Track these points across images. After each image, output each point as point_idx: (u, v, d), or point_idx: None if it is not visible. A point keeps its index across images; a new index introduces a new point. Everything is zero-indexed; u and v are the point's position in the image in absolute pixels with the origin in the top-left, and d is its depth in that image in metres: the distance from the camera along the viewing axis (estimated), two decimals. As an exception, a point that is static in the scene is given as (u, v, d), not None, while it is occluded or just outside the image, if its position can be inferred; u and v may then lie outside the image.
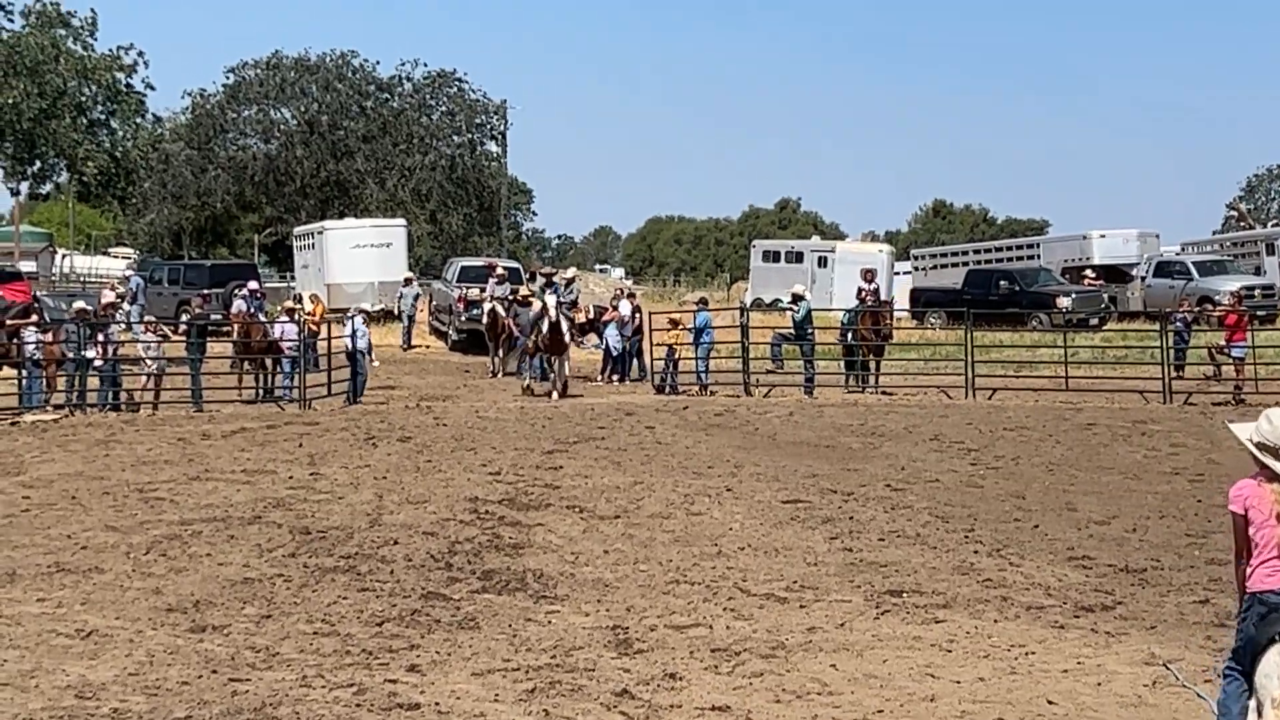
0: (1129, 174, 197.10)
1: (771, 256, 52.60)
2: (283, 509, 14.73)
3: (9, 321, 25.03)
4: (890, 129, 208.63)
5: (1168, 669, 9.06)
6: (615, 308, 32.42)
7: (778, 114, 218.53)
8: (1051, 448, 19.95)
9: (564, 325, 26.98)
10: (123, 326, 27.90)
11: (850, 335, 29.18)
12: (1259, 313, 35.29)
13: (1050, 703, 8.56)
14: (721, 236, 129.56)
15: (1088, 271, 45.01)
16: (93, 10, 68.02)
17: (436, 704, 8.43)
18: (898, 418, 23.22)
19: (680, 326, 29.13)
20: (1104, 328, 38.19)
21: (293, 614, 10.51)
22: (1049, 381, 27.96)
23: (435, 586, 11.40)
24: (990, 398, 26.33)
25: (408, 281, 41.32)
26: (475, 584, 11.53)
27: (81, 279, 60.52)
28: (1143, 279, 43.92)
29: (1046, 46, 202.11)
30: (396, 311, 41.15)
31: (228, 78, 65.31)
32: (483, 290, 35.59)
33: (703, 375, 28.31)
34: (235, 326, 29.50)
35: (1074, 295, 40.85)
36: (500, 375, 32.02)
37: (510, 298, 32.87)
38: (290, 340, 27.06)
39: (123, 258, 68.37)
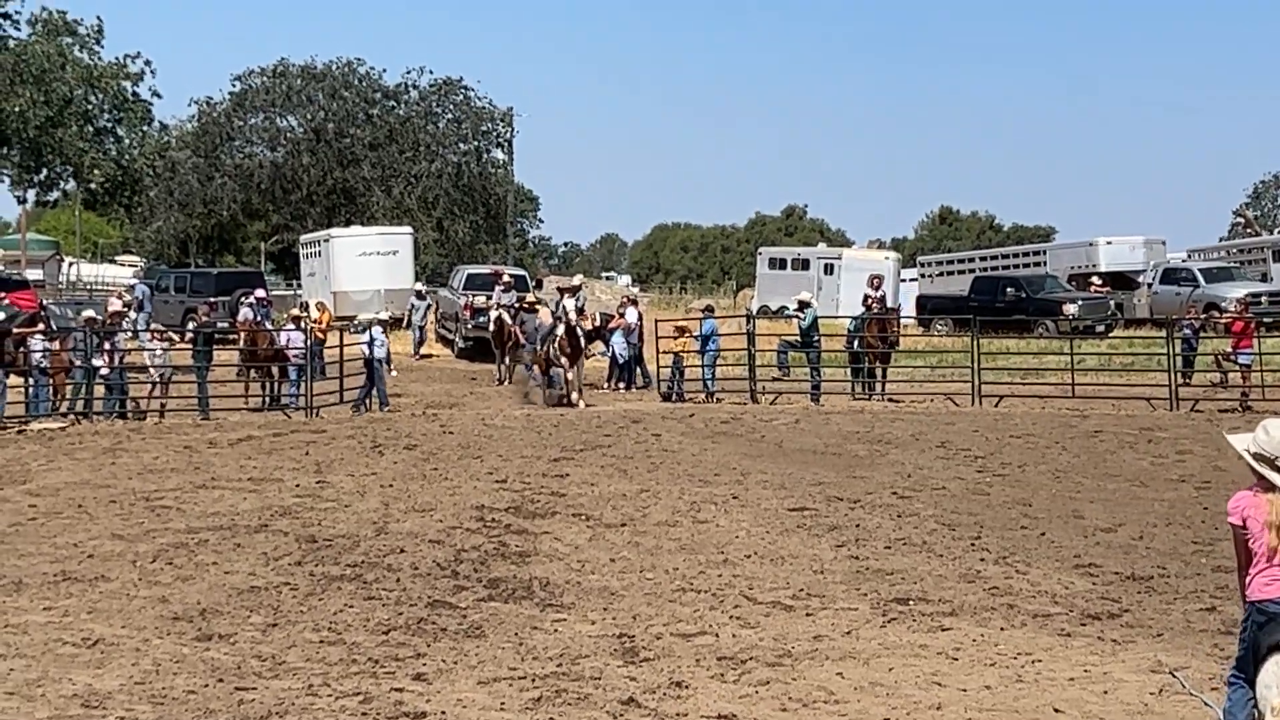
0: (1135, 181, 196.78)
1: (778, 264, 52.54)
2: (289, 517, 14.74)
3: (16, 330, 25.06)
4: (896, 136, 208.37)
5: (1174, 677, 9.05)
6: (622, 315, 32.43)
7: (784, 121, 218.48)
8: (1058, 455, 19.93)
9: (580, 331, 27.02)
10: (129, 335, 27.92)
11: (856, 342, 29.18)
12: (1266, 319, 35.20)
13: (1057, 710, 8.55)
14: (728, 244, 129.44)
15: (1094, 278, 44.94)
16: (99, 18, 68.27)
17: (443, 713, 8.43)
18: (904, 425, 23.21)
19: (687, 334, 29.13)
20: (1110, 335, 38.12)
21: (299, 622, 10.52)
22: (1055, 388, 27.92)
23: (441, 595, 11.40)
24: (997, 405, 26.31)
25: (420, 294, 41.33)
26: (481, 592, 11.54)
27: (88, 287, 60.63)
28: (1149, 286, 43.87)
29: (1053, 53, 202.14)
30: (407, 323, 41.19)
31: (234, 86, 65.61)
32: (489, 298, 35.63)
33: (709, 383, 28.31)
34: (242, 334, 29.52)
35: (1080, 302, 40.78)
36: (507, 383, 32.03)
37: (516, 305, 32.89)
38: (296, 348, 27.08)
39: (129, 266, 68.44)
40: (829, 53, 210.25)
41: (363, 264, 44.50)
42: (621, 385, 31.42)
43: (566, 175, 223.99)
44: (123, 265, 70.29)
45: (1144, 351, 32.45)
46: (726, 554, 13.06)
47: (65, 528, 14.20)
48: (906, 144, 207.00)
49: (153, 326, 30.21)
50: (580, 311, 30.17)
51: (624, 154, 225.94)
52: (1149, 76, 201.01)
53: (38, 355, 24.40)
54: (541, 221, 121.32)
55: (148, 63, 68.30)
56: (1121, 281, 45.58)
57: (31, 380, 24.42)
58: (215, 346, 29.09)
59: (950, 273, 52.61)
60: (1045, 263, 49.30)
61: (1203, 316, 34.27)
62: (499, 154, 69.08)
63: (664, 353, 28.93)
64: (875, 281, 30.81)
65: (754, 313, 35.92)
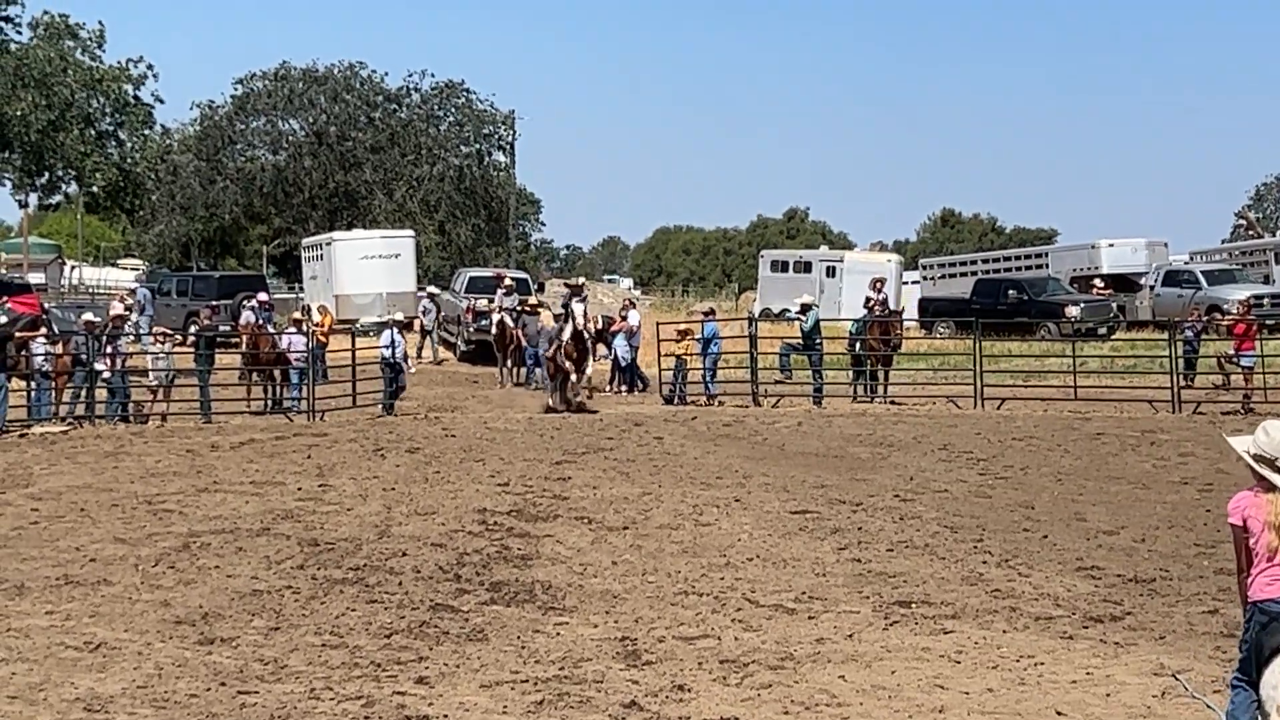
0: (1137, 183, 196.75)
1: (780, 266, 52.55)
2: (291, 521, 14.75)
3: (18, 333, 25.06)
4: (898, 139, 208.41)
5: (1177, 679, 9.03)
6: (624, 318, 32.43)
7: (786, 124, 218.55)
8: (1060, 457, 19.93)
9: (587, 334, 26.97)
10: (131, 338, 27.92)
11: (859, 345, 29.16)
12: (1268, 321, 35.20)
13: (1059, 713, 8.55)
14: (730, 246, 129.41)
15: (1096, 281, 44.94)
16: (100, 22, 68.60)
17: (445, 716, 8.43)
18: (906, 428, 23.21)
19: (689, 337, 29.13)
20: (1112, 337, 38.10)
21: (301, 626, 10.52)
22: (1058, 391, 27.92)
23: (444, 598, 11.40)
24: (999, 407, 26.30)
25: (431, 297, 41.22)
26: (484, 595, 11.53)
27: (90, 290, 60.60)
28: (1151, 288, 43.84)
29: (1055, 56, 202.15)
30: (416, 326, 41.10)
31: (236, 89, 65.60)
32: (491, 301, 35.62)
33: (711, 385, 28.31)
34: (244, 338, 29.52)
35: (1082, 304, 40.75)
36: (509, 386, 32.02)
37: (518, 308, 32.86)
38: (298, 351, 27.08)
39: (131, 269, 68.45)
40: (831, 55, 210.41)
41: (365, 267, 44.48)
42: (623, 388, 31.41)
43: (568, 178, 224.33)
44: (125, 269, 70.30)
45: (1146, 354, 32.43)
46: (728, 557, 13.06)
47: (67, 531, 14.21)
48: (908, 146, 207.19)
49: (156, 330, 30.19)
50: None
51: (626, 157, 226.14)
52: (1150, 78, 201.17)
53: (39, 359, 24.42)
54: (543, 224, 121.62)
55: (149, 66, 68.52)
56: (1124, 284, 45.58)
57: (34, 384, 24.43)
58: (217, 350, 29.08)
59: (952, 275, 52.59)
60: (1047, 265, 49.31)
61: (1205, 319, 34.24)
62: (501, 157, 69.17)
63: (666, 355, 28.92)
64: (877, 284, 30.81)
65: (756, 315, 35.90)
